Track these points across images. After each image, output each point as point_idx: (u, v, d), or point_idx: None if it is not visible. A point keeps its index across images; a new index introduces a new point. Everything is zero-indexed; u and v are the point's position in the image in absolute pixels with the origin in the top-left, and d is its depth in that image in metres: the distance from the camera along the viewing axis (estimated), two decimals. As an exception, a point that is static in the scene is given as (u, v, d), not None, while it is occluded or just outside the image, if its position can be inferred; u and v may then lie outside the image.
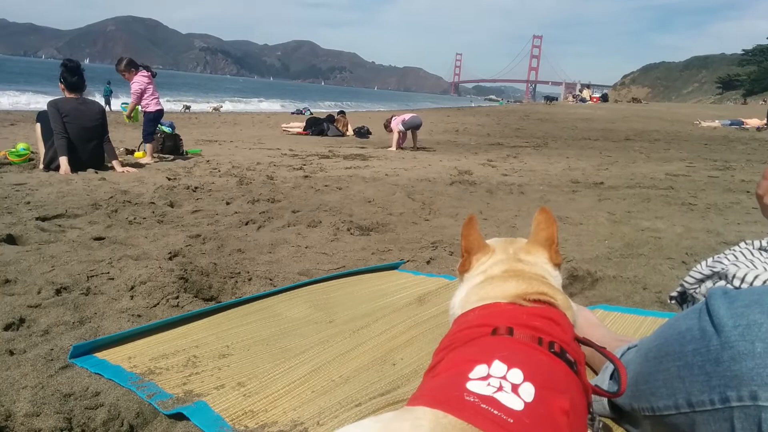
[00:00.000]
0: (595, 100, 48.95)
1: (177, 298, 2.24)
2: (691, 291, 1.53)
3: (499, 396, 0.91)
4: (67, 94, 6.43)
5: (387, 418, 0.93)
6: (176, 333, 1.87)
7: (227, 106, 33.30)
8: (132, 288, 2.33)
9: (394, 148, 11.07)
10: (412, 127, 11.59)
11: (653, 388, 1.20)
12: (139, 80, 7.58)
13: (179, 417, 1.40)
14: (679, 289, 1.62)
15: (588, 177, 7.01)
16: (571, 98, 55.47)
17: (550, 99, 53.35)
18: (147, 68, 7.84)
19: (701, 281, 1.51)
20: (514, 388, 0.93)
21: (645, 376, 1.24)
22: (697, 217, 4.53)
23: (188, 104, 29.27)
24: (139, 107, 7.81)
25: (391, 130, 11.72)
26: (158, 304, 2.21)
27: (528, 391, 0.93)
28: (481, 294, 1.27)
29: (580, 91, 57.46)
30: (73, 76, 6.44)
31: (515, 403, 0.90)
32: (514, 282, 1.25)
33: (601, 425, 1.11)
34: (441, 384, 1.00)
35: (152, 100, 7.75)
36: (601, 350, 1.20)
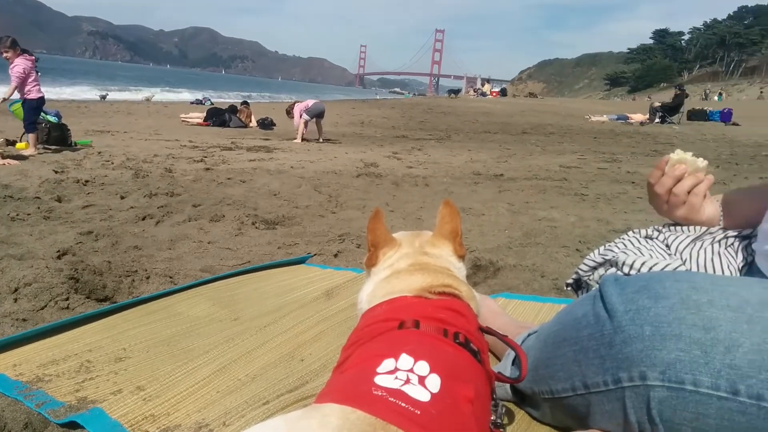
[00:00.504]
0: (494, 94, 50.65)
1: (67, 299, 2.11)
2: (585, 278, 1.61)
3: (406, 389, 0.92)
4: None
5: (294, 416, 0.92)
6: (67, 337, 1.75)
7: (123, 95, 31.51)
8: (16, 290, 2.16)
9: (299, 140, 10.94)
10: (316, 114, 11.49)
11: (552, 372, 1.25)
12: (23, 63, 7.05)
13: (73, 426, 1.31)
14: (574, 276, 1.70)
15: (489, 169, 7.24)
16: (472, 92, 57.10)
17: (454, 92, 54.63)
18: (29, 53, 7.31)
19: (594, 269, 1.59)
20: (421, 380, 0.94)
21: (544, 361, 1.29)
22: (588, 206, 4.79)
23: (104, 93, 27.27)
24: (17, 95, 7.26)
25: (292, 116, 11.58)
26: (46, 306, 2.06)
27: (434, 383, 0.95)
28: (388, 288, 1.27)
29: (482, 85, 59.27)
30: None
31: (422, 395, 0.92)
32: (420, 275, 1.26)
33: (504, 410, 1.14)
34: (349, 379, 1.00)
35: (34, 86, 7.24)
36: (503, 338, 1.24)
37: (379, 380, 0.94)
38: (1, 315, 1.97)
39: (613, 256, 1.54)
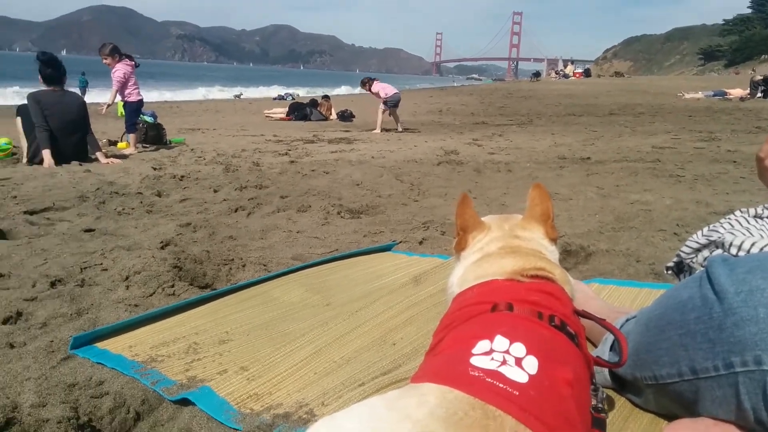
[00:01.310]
0: (578, 75, 48.99)
1: (173, 286, 2.24)
2: (688, 261, 1.55)
3: (503, 369, 0.92)
4: (46, 87, 6.33)
5: (392, 396, 0.94)
6: (175, 321, 1.87)
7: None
8: (127, 278, 2.32)
9: (378, 131, 11.03)
10: (394, 105, 11.54)
11: (656, 357, 1.22)
12: (123, 68, 7.47)
13: (184, 402, 1.41)
14: (675, 259, 1.64)
15: (575, 152, 7.04)
16: (554, 74, 55.51)
17: (536, 75, 53.31)
18: (130, 57, 7.74)
19: (698, 251, 1.53)
20: (518, 361, 0.95)
21: (646, 346, 1.26)
22: (686, 188, 4.57)
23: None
24: (119, 98, 7.72)
25: (368, 90, 11.68)
26: (154, 293, 2.20)
27: (531, 364, 0.95)
28: (479, 272, 1.28)
29: (564, 66, 57.45)
30: (47, 68, 6.33)
31: (519, 376, 0.92)
32: (511, 258, 1.26)
33: (604, 395, 1.12)
34: (445, 361, 1.01)
35: (134, 89, 7.67)
36: (601, 322, 1.22)
37: (475, 361, 0.95)
38: (116, 301, 2.13)
39: (719, 237, 1.47)
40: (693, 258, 1.52)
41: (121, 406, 1.38)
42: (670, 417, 1.26)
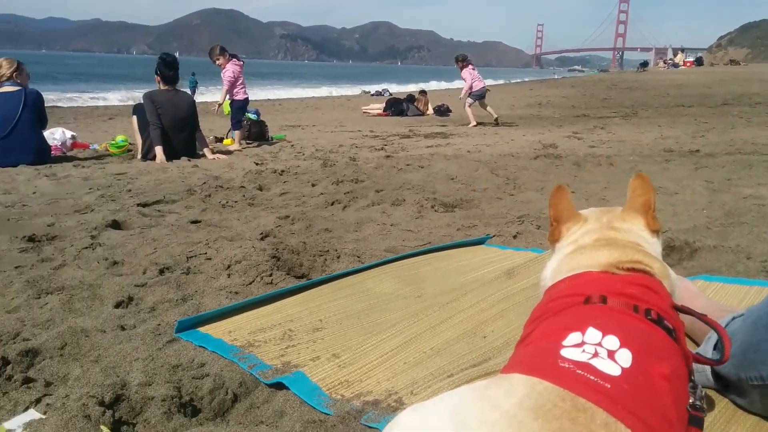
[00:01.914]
0: (688, 64, 46.12)
1: (271, 275, 2.33)
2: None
3: (594, 362, 0.90)
4: (162, 86, 6.76)
5: (482, 385, 0.94)
6: (271, 308, 1.95)
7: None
8: (228, 267, 2.44)
9: (473, 123, 10.91)
10: (479, 97, 11.32)
11: (763, 357, 1.14)
12: (232, 68, 7.87)
13: (279, 386, 1.47)
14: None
15: (682, 145, 6.65)
16: (662, 64, 52.60)
17: (642, 65, 50.71)
18: (238, 57, 8.13)
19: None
20: (611, 354, 0.92)
21: (754, 345, 1.18)
22: (807, 182, 4.21)
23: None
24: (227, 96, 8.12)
25: (460, 69, 11.47)
26: (253, 281, 2.31)
27: (625, 357, 0.91)
28: (572, 264, 1.25)
29: (674, 55, 54.26)
30: (170, 70, 6.75)
31: (612, 369, 0.89)
32: (607, 250, 1.22)
33: (703, 394, 1.06)
34: (534, 352, 1.00)
35: (241, 88, 8.05)
36: (702, 317, 1.15)
37: (565, 353, 0.93)
38: (218, 288, 2.25)
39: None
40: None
41: (220, 387, 1.46)
42: (777, 420, 1.18)
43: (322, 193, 4.35)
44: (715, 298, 1.94)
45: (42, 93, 6.61)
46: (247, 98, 8.19)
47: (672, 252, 2.58)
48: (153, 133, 6.49)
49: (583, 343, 0.95)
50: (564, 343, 0.96)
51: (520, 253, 2.54)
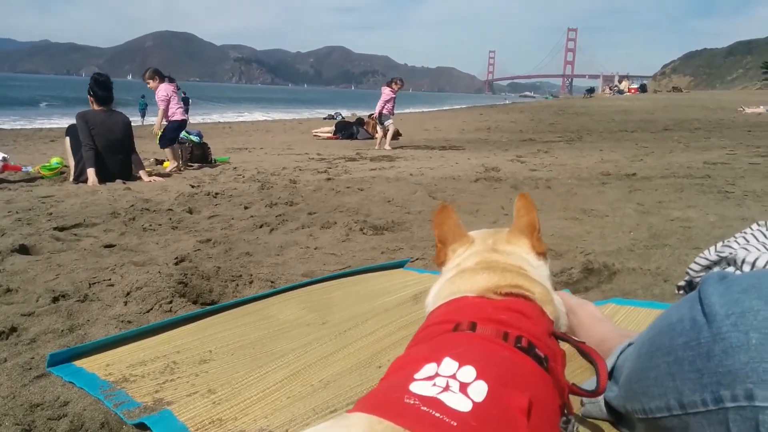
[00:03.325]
0: (633, 91, 47.73)
1: (170, 302, 2.19)
2: (697, 279, 1.39)
3: (443, 397, 0.81)
4: (95, 107, 6.53)
5: (322, 427, 0.84)
6: (160, 339, 1.80)
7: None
8: (128, 294, 2.29)
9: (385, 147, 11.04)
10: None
11: (645, 387, 1.07)
12: (165, 88, 7.76)
13: (144, 427, 1.33)
14: (686, 278, 1.48)
15: (620, 169, 6.76)
16: (608, 90, 54.30)
17: (589, 92, 52.28)
18: (171, 79, 8.02)
19: (708, 268, 1.37)
20: (463, 387, 0.83)
21: (637, 374, 1.11)
22: (733, 205, 4.29)
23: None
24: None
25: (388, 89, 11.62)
26: (151, 309, 2.16)
27: (479, 390, 0.82)
28: (453, 288, 1.17)
29: (619, 82, 56.08)
30: (102, 90, 6.55)
31: (461, 404, 0.80)
32: (486, 274, 1.14)
33: (576, 428, 0.99)
34: (385, 387, 0.90)
35: (177, 109, 7.88)
36: (578, 345, 1.08)
37: (414, 387, 0.84)
38: (111, 317, 2.09)
39: (731, 253, 1.31)
40: (702, 276, 1.36)
41: (77, 429, 1.31)
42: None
43: (252, 216, 4.21)
44: (624, 322, 1.89)
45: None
46: (184, 120, 8.05)
47: (590, 275, 2.55)
48: (85, 154, 6.26)
49: (435, 376, 0.85)
50: (416, 375, 0.86)
51: (437, 277, 2.46)
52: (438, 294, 1.20)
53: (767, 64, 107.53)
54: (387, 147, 11.21)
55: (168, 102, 7.76)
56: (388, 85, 11.60)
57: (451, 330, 1.01)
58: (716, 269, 1.33)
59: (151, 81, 7.79)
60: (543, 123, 19.09)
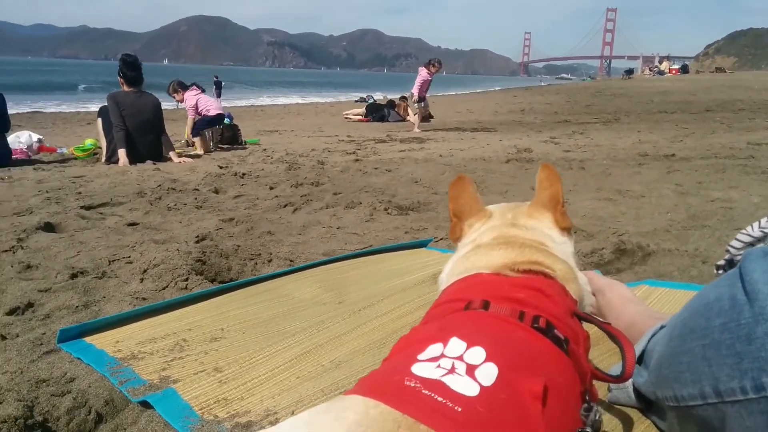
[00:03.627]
0: (674, 72, 46.28)
1: (186, 280, 2.15)
2: (738, 257, 1.27)
3: (447, 379, 0.73)
4: (126, 88, 6.56)
5: (318, 410, 0.77)
6: (172, 316, 1.76)
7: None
8: (145, 271, 2.25)
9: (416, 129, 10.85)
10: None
11: (676, 373, 0.97)
12: (190, 97, 8.00)
13: (149, 405, 1.29)
14: (726, 256, 1.36)
15: (658, 150, 6.53)
16: (647, 71, 52.80)
17: (628, 73, 50.96)
18: (196, 84, 8.24)
19: (750, 245, 1.25)
20: (470, 369, 0.75)
21: (669, 359, 1.01)
22: (779, 185, 4.08)
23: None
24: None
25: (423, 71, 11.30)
26: (167, 287, 2.12)
27: (488, 373, 0.74)
28: (467, 265, 1.08)
29: (659, 63, 54.50)
30: (131, 71, 6.57)
31: (468, 388, 0.72)
32: (503, 250, 1.05)
33: (598, 417, 0.90)
34: (386, 368, 0.83)
35: (211, 106, 8.05)
36: (603, 326, 0.98)
37: (416, 369, 0.76)
38: (127, 294, 2.06)
39: (779, 229, 1.19)
40: (744, 252, 1.25)
41: (81, 406, 1.27)
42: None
43: (276, 196, 4.17)
44: (658, 304, 1.78)
45: (5, 96, 6.47)
46: (219, 114, 8.18)
47: (623, 256, 2.42)
48: (116, 135, 6.30)
49: (441, 357, 0.78)
50: (419, 356, 0.79)
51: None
52: (452, 271, 1.12)
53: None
54: (417, 129, 11.08)
55: (196, 109, 7.99)
56: (426, 66, 11.38)
57: (462, 309, 0.93)
58: (759, 246, 1.22)
59: (175, 95, 8.06)
60: (579, 104, 18.65)
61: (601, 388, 1.13)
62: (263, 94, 36.64)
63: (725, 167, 5.03)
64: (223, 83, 28.73)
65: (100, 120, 6.68)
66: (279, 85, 59.30)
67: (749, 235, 1.25)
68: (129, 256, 2.53)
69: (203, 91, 8.25)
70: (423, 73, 11.29)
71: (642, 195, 3.87)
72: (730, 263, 1.33)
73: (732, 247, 1.29)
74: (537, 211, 1.17)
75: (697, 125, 10.01)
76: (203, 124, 7.89)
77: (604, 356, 1.43)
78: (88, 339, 1.60)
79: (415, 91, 11.29)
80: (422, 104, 11.40)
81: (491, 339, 0.81)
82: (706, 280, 2.10)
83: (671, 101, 17.91)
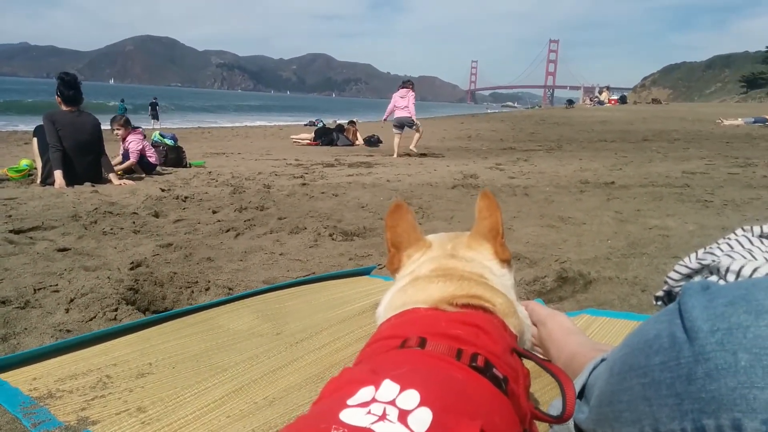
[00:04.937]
0: (613, 102, 48.18)
1: (116, 310, 2.04)
2: (677, 289, 1.27)
3: (378, 427, 0.68)
4: (64, 107, 6.33)
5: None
6: (97, 350, 1.65)
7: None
8: (71, 301, 2.13)
9: (395, 156, 10.84)
10: (398, 126, 11.24)
11: (617, 412, 0.95)
12: (136, 139, 7.58)
13: (62, 450, 1.19)
14: (665, 287, 1.36)
15: (599, 177, 6.71)
16: (588, 101, 54.78)
17: (569, 102, 52.75)
18: (135, 128, 7.94)
19: (688, 276, 1.26)
20: (402, 415, 0.70)
21: (608, 396, 0.99)
22: (712, 214, 4.23)
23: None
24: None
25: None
26: (94, 317, 2.00)
27: (421, 419, 0.70)
28: (404, 299, 1.04)
29: (599, 93, 56.61)
30: (69, 89, 6.35)
31: None
32: (441, 283, 1.01)
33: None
34: (313, 414, 0.77)
35: (152, 153, 7.82)
36: (542, 363, 0.96)
37: (345, 415, 0.70)
38: (49, 325, 1.93)
39: (714, 261, 1.20)
40: (683, 286, 1.25)
41: (-12, 451, 1.17)
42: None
43: (219, 221, 4.06)
44: (598, 335, 1.78)
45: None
46: (156, 164, 7.85)
47: (565, 284, 2.44)
48: (52, 156, 6.06)
49: (372, 401, 0.73)
50: (349, 401, 0.73)
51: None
52: (389, 304, 1.07)
53: (746, 77, 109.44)
54: (413, 148, 11.06)
55: (143, 151, 7.63)
56: (411, 88, 11.39)
57: (398, 347, 0.88)
58: (698, 278, 1.22)
59: (119, 130, 7.74)
60: (523, 132, 19.12)
61: (541, 427, 1.10)
62: (210, 116, 36.17)
63: (662, 195, 5.19)
64: (158, 106, 28.83)
65: (35, 140, 6.43)
66: (227, 108, 58.66)
67: (687, 267, 1.25)
68: (56, 284, 2.38)
69: (144, 137, 7.94)
70: (412, 94, 11.31)
71: (583, 222, 3.94)
72: (669, 295, 1.33)
73: (670, 278, 1.30)
74: (476, 242, 1.14)
75: (636, 154, 10.38)
76: (142, 165, 7.62)
77: (545, 389, 1.41)
78: (2, 376, 1.48)
79: (412, 113, 11.27)
80: (418, 124, 11.41)
81: (426, 380, 0.77)
82: (646, 309, 2.13)
83: (611, 130, 18.57)
